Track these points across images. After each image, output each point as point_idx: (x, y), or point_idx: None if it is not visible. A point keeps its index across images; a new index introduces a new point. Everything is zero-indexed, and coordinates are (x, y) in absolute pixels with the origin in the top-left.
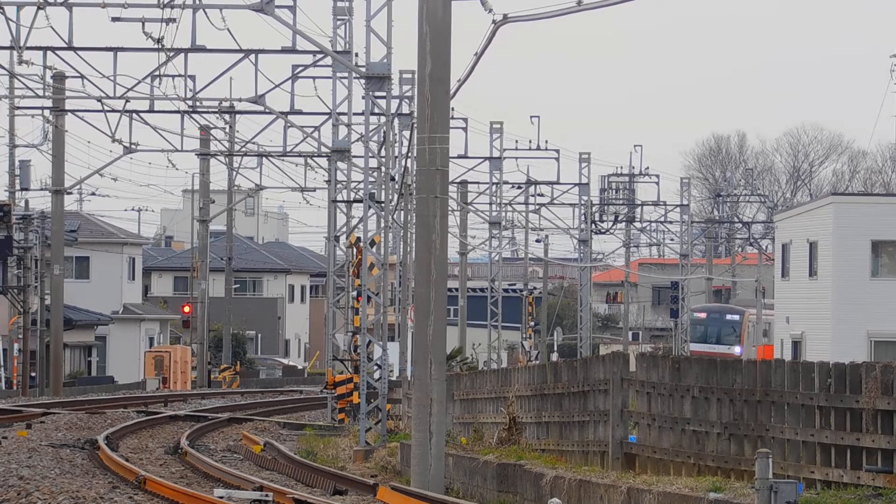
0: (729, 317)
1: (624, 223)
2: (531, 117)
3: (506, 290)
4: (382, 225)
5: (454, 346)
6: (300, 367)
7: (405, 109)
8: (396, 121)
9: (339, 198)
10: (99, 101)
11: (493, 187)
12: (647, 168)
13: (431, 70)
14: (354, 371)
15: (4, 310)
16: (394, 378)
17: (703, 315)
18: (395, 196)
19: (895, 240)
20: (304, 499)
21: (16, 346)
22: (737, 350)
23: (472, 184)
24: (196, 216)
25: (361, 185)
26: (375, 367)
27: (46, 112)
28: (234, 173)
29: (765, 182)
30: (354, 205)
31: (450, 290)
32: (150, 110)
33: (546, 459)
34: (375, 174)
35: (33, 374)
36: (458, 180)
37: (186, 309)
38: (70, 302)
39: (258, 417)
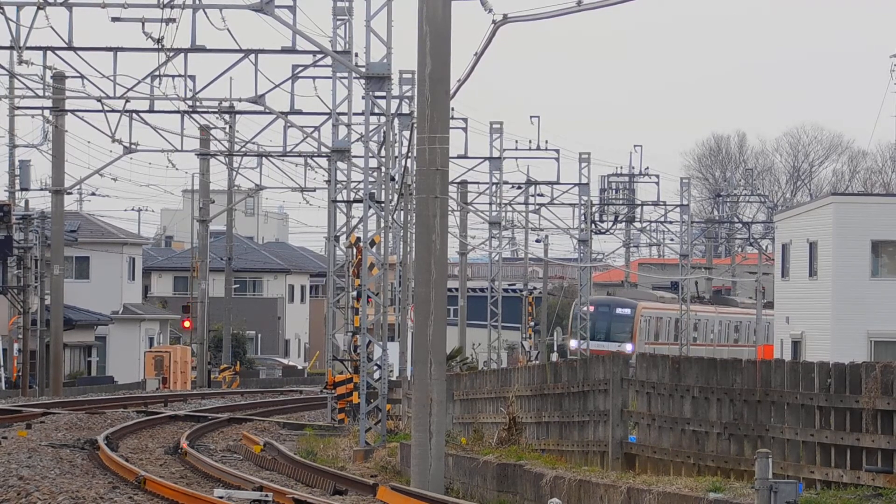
0: (619, 310)
1: (624, 223)
2: (531, 117)
3: (506, 290)
4: (382, 225)
5: (454, 346)
6: (300, 367)
7: (405, 109)
8: (396, 121)
9: (339, 198)
10: (99, 101)
11: (493, 187)
12: (647, 168)
13: (431, 70)
14: (354, 371)
15: (4, 310)
16: (394, 378)
17: (590, 308)
18: (395, 196)
19: (895, 240)
20: (303, 499)
21: (16, 346)
22: (628, 348)
23: (472, 184)
24: (196, 216)
25: (361, 185)
26: (375, 367)
27: (46, 112)
28: (234, 173)
29: (765, 182)
30: (354, 205)
31: (450, 290)
32: (150, 110)
33: (546, 459)
34: (375, 174)
35: (32, 374)
36: (458, 180)
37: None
38: (70, 302)
39: (258, 417)
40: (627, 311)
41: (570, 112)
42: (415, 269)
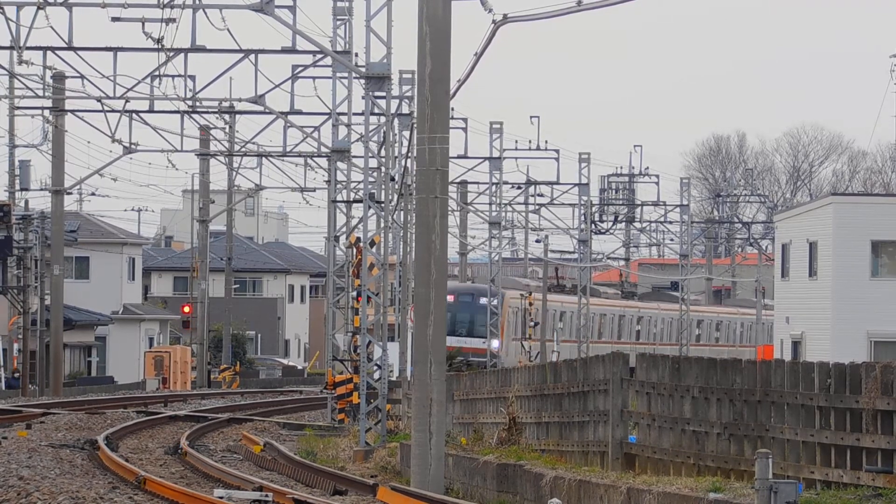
0: (483, 301)
1: (624, 223)
2: (531, 117)
3: None
4: (382, 225)
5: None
6: (300, 367)
7: (405, 109)
8: (396, 121)
9: (338, 198)
10: (99, 101)
11: (493, 187)
12: (647, 168)
13: (431, 70)
14: (354, 371)
15: (4, 310)
16: (394, 378)
17: (449, 298)
18: (395, 196)
19: (895, 240)
20: (303, 499)
21: (16, 346)
22: (494, 344)
23: (472, 184)
24: (196, 216)
25: (361, 185)
26: (375, 367)
27: (46, 112)
28: (234, 173)
29: (765, 182)
30: (354, 205)
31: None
32: (150, 110)
33: (546, 460)
34: (375, 174)
35: (32, 374)
36: (458, 180)
37: (186, 309)
38: (70, 302)
39: (258, 418)
40: (494, 301)
41: (570, 112)
42: (415, 269)
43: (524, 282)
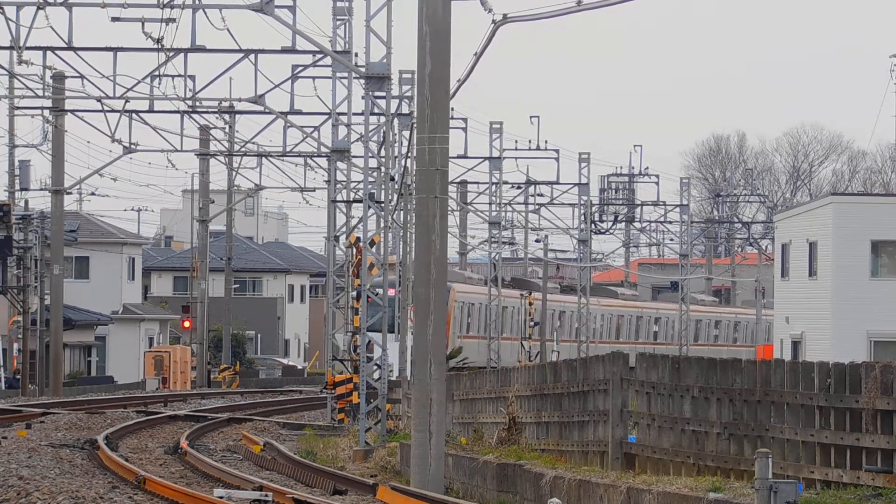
0: None
1: (624, 223)
2: (531, 117)
3: None
4: (382, 225)
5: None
6: (300, 367)
7: (405, 109)
8: (396, 121)
9: (338, 198)
10: (99, 101)
11: (493, 187)
12: (647, 168)
13: (431, 70)
14: (354, 371)
15: (4, 310)
16: (394, 378)
17: (391, 292)
18: (395, 196)
19: (895, 240)
20: (303, 499)
21: (16, 345)
22: None
23: (471, 184)
24: (196, 216)
25: (361, 185)
26: (375, 367)
27: (46, 112)
28: (234, 173)
29: (765, 182)
30: (354, 205)
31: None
32: (150, 110)
33: (546, 459)
34: (375, 174)
35: (32, 374)
36: (457, 180)
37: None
38: (70, 302)
39: (258, 417)
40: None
41: (570, 112)
42: (415, 269)
43: (466, 274)
